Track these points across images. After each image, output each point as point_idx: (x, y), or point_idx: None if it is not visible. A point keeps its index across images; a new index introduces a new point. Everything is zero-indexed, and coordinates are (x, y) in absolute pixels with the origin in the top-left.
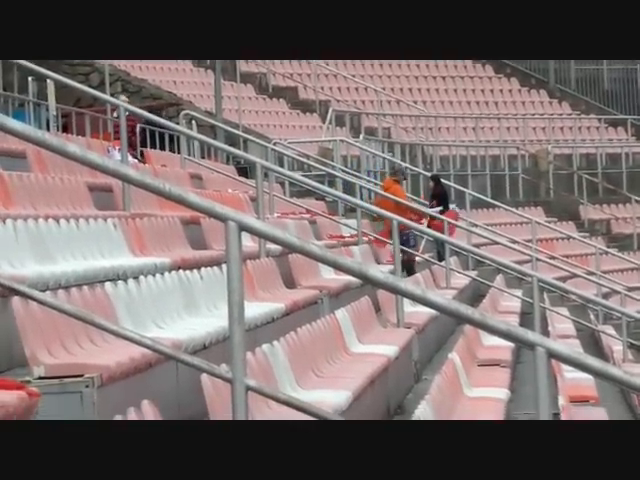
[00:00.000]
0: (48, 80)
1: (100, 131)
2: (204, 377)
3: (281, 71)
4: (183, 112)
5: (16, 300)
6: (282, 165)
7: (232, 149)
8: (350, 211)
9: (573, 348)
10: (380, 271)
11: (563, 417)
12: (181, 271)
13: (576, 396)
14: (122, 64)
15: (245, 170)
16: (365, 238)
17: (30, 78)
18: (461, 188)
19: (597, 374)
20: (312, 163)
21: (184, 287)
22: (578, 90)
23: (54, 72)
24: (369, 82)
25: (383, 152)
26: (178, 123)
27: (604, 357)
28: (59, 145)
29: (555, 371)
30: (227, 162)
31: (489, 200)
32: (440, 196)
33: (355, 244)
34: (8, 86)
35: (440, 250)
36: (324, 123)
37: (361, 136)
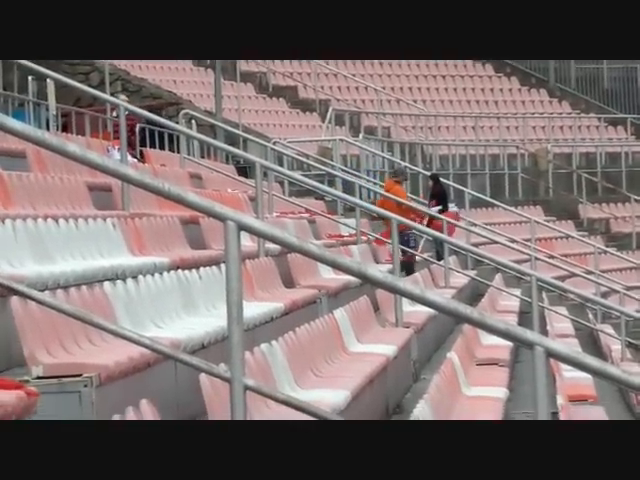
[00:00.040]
0: (48, 79)
1: (100, 131)
2: (203, 377)
3: (281, 70)
4: (183, 111)
5: (15, 300)
6: (281, 164)
7: (232, 148)
8: (349, 210)
9: (572, 347)
10: (379, 270)
11: (562, 416)
12: (180, 271)
13: (575, 395)
14: (122, 63)
15: (245, 170)
16: (364, 237)
17: (30, 77)
18: (460, 187)
19: (596, 373)
20: (311, 162)
21: (183, 287)
22: (578, 89)
23: (54, 71)
24: (369, 81)
25: (383, 151)
26: (178, 122)
27: (603, 356)
28: (59, 145)
29: (554, 370)
30: (226, 162)
31: (488, 199)
32: (439, 195)
33: (354, 243)
34: (8, 85)
35: (439, 249)
36: (324, 122)
37: (361, 135)
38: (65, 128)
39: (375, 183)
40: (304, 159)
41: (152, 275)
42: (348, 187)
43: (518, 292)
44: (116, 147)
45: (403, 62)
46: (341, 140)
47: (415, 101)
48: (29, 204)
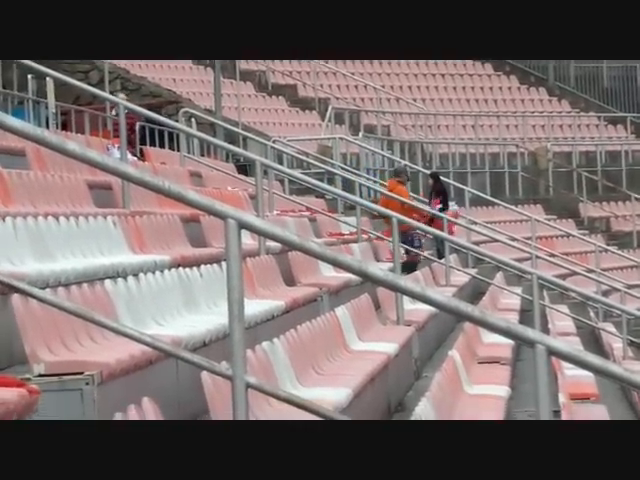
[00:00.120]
0: (47, 78)
1: (99, 129)
2: (204, 374)
3: (280, 69)
4: (182, 110)
5: (16, 298)
6: (281, 163)
7: (231, 147)
8: (349, 209)
9: (573, 345)
10: (380, 269)
11: (563, 415)
12: (181, 269)
13: (576, 393)
14: (121, 62)
15: (244, 168)
16: (365, 236)
17: (29, 76)
18: (460, 186)
19: (597, 371)
20: (311, 161)
21: (184, 285)
22: (577, 88)
23: (53, 70)
24: (368, 80)
25: (382, 150)
26: (177, 121)
27: (604, 354)
28: (58, 143)
29: (555, 368)
30: (226, 160)
31: (488, 198)
32: (441, 193)
33: (355, 241)
34: (7, 84)
35: (440, 248)
36: (323, 121)
37: (360, 134)
38: (65, 126)
39: (375, 181)
40: (304, 157)
41: (153, 273)
42: (348, 185)
43: (519, 290)
44: (116, 145)
45: (403, 61)
46: (341, 138)
47: (415, 100)
48: (29, 202)
